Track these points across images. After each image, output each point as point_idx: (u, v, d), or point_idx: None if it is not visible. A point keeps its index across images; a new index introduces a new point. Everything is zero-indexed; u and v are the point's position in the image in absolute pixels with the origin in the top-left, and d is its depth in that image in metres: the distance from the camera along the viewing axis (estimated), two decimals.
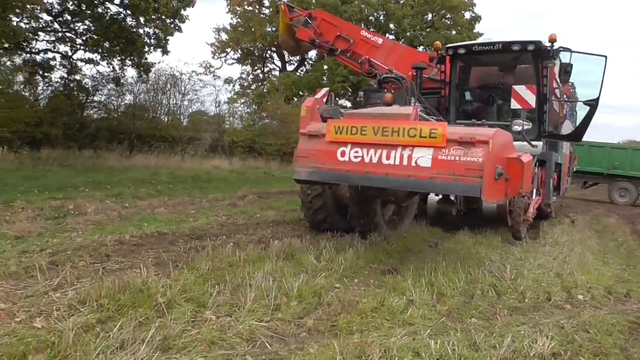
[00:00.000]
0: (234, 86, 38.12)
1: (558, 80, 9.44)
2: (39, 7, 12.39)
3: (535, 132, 8.51)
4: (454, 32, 32.29)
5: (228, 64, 41.94)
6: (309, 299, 4.26)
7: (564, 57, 8.71)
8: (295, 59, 38.41)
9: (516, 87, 7.19)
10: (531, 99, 7.06)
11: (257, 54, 37.89)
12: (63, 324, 3.21)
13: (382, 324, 3.86)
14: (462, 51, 9.23)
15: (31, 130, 14.79)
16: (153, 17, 14.98)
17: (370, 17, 31.56)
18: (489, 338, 3.66)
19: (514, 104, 7.15)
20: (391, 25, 32.23)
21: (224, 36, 36.11)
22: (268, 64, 39.33)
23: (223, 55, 36.51)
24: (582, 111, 11.25)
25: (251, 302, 3.97)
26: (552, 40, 8.39)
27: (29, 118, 14.39)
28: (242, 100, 37.45)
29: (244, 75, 38.92)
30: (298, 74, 35.29)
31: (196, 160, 19.72)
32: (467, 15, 32.90)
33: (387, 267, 5.74)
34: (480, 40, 10.38)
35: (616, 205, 18.57)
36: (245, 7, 35.79)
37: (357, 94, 30.89)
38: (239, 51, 36.76)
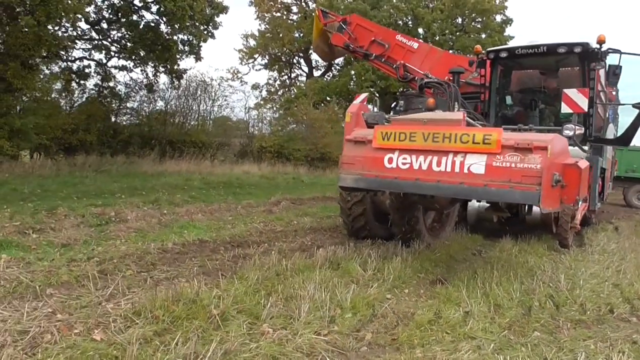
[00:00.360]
0: (260, 92, 38.38)
1: (603, 82, 9.14)
2: (80, 16, 12.58)
3: (581, 136, 8.23)
4: (483, 36, 31.87)
5: (256, 70, 42.15)
6: (362, 310, 4.13)
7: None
8: (322, 65, 38.50)
9: (567, 91, 6.93)
10: (583, 102, 6.80)
11: (284, 60, 38.06)
12: (122, 336, 3.15)
13: (443, 338, 3.70)
14: (504, 54, 8.99)
15: (67, 137, 15.04)
16: (188, 24, 15.15)
17: (399, 22, 31.33)
18: (559, 354, 3.48)
19: (565, 108, 6.90)
20: (420, 30, 31.95)
21: (251, 42, 36.40)
22: (295, 70, 39.51)
23: (251, 61, 36.81)
24: (623, 115, 10.87)
25: (305, 314, 3.86)
26: (601, 41, 8.09)
27: (66, 125, 14.65)
28: (269, 106, 37.76)
29: (270, 81, 39.16)
30: (325, 79, 35.30)
31: (226, 165, 19.80)
32: (499, 18, 32.37)
33: (435, 276, 5.58)
34: (522, 43, 10.07)
35: None
36: (274, 13, 35.98)
37: (386, 99, 30.72)
38: (267, 57, 36.97)
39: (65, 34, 13.44)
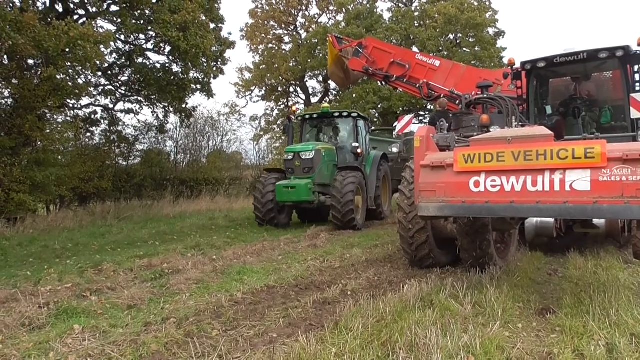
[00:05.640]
0: (259, 123, 38.30)
1: None
2: (99, 62, 12.38)
3: None
4: (477, 49, 32.06)
5: (253, 102, 42.19)
6: (496, 355, 3.70)
7: None
8: (319, 91, 38.56)
9: (635, 95, 6.64)
10: None
11: (280, 90, 38.04)
12: None
13: None
14: (542, 64, 8.73)
15: (84, 186, 14.64)
16: (202, 61, 15.01)
17: (394, 42, 31.42)
18: None
19: (635, 114, 6.60)
20: (415, 49, 32.04)
21: (247, 75, 36.39)
22: (292, 98, 39.47)
23: (248, 93, 36.75)
24: None
25: None
26: None
27: (82, 174, 14.27)
28: (268, 136, 37.68)
29: (268, 112, 39.09)
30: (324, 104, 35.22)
31: (242, 200, 19.39)
32: (491, 31, 32.61)
33: (537, 305, 5.16)
34: (558, 51, 9.83)
35: None
36: (267, 45, 36.09)
37: (388, 119, 30.63)
38: (263, 88, 36.93)
39: (84, 82, 13.19)
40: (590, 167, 4.48)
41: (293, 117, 14.60)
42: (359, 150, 13.08)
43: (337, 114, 13.84)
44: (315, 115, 14.05)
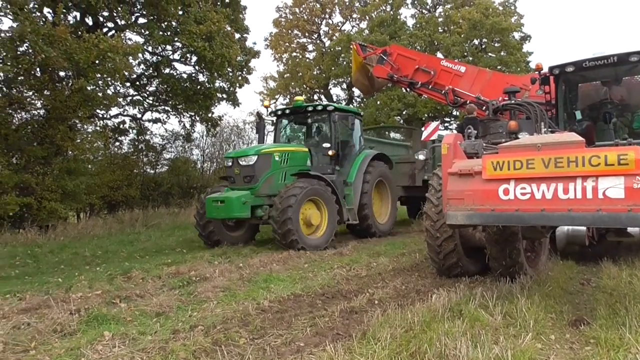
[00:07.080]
0: None
1: None
2: (128, 73, 12.71)
3: None
4: (503, 53, 31.69)
5: None
6: None
7: None
8: (343, 98, 38.63)
9: None
10: None
11: (305, 98, 38.26)
12: None
13: None
14: (570, 69, 8.56)
15: (112, 194, 14.97)
16: (227, 71, 15.26)
17: (418, 48, 31.29)
18: None
19: None
20: (439, 54, 31.84)
21: (271, 84, 36.73)
22: None
23: (273, 102, 37.05)
24: None
25: None
26: None
27: (111, 182, 14.60)
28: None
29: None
30: None
31: None
32: (517, 36, 32.19)
33: (570, 315, 5.03)
34: (587, 55, 9.62)
35: None
36: (290, 54, 36.37)
37: (414, 125, 30.44)
38: (288, 96, 37.22)
39: (113, 93, 13.56)
40: (623, 174, 4.36)
41: (265, 114, 12.67)
42: (330, 152, 11.06)
43: (310, 108, 11.61)
44: (287, 111, 12.17)
